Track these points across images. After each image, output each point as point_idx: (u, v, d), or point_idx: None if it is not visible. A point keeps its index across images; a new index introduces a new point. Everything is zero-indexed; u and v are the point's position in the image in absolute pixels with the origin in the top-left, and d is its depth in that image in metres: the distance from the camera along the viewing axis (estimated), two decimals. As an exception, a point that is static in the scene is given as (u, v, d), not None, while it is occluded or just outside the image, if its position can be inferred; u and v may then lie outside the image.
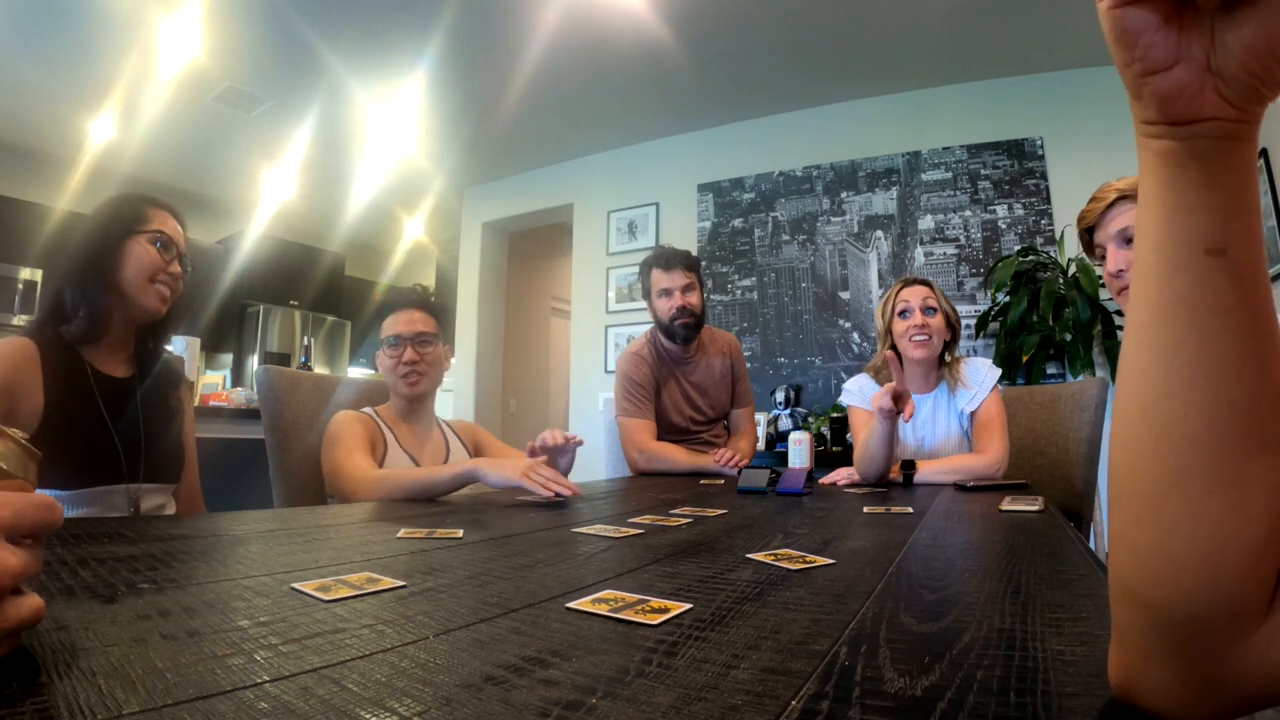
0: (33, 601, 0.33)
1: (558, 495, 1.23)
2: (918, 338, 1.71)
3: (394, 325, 1.58)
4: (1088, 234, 1.28)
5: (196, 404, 2.11)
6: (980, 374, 1.76)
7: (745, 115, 4.37)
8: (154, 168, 4.91)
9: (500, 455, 1.65)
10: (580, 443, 1.51)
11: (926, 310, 1.72)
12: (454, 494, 1.42)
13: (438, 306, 1.67)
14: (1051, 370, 3.30)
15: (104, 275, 1.22)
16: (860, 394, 1.81)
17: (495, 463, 1.33)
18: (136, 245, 1.24)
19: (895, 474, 1.64)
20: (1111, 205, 1.21)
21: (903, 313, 1.74)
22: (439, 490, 1.32)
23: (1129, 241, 1.19)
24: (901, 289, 1.78)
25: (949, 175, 3.86)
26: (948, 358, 1.82)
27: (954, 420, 1.79)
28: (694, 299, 2.17)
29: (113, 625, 0.41)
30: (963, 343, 3.58)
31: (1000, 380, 1.79)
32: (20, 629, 0.33)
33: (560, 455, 1.52)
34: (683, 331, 2.16)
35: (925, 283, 1.78)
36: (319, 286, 6.04)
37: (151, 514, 1.28)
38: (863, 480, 1.63)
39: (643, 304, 2.33)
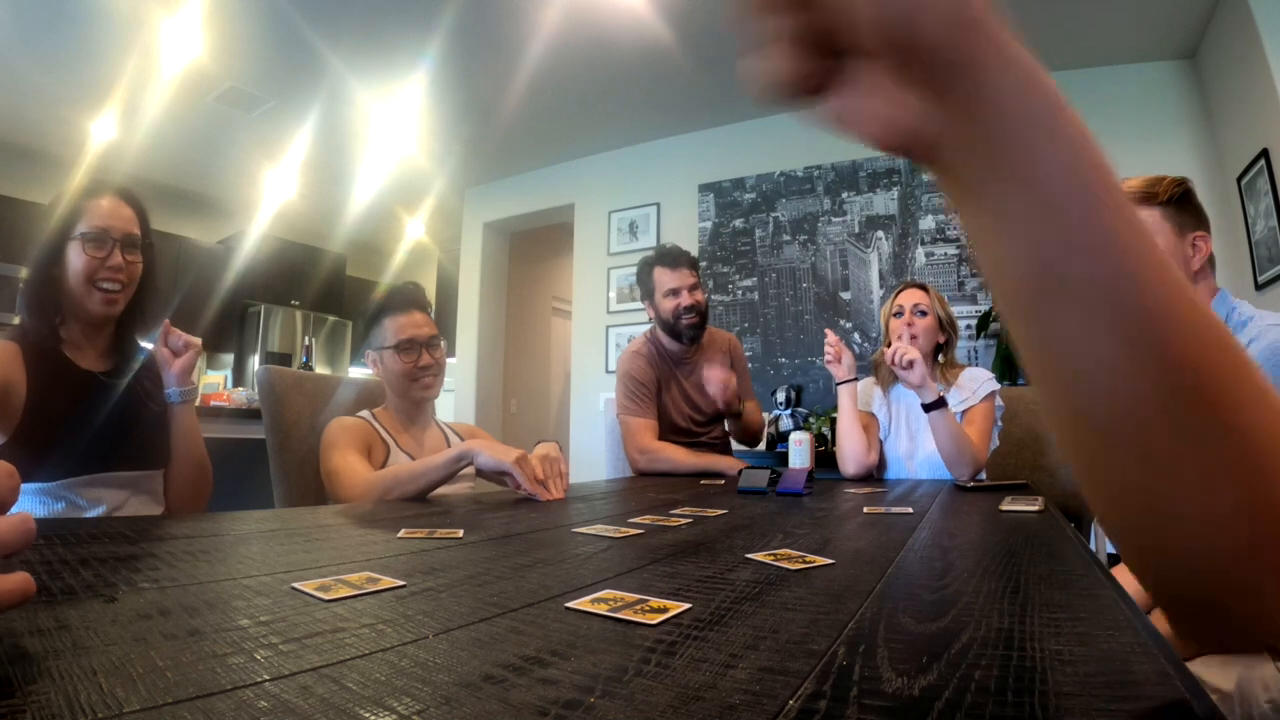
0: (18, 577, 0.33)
1: (536, 495, 1.23)
2: (905, 338, 1.84)
3: (404, 328, 1.55)
4: None
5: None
6: (977, 382, 1.84)
7: (746, 115, 4.37)
8: (155, 168, 4.91)
9: None
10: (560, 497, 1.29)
11: (916, 312, 1.85)
12: (453, 493, 1.42)
13: (429, 304, 1.67)
14: (1052, 370, 3.29)
15: (53, 282, 1.22)
16: (860, 398, 1.96)
17: (489, 445, 1.32)
18: (71, 250, 1.21)
19: (872, 462, 1.83)
20: None
21: (897, 313, 1.88)
22: (437, 477, 1.30)
23: None
24: (899, 293, 1.91)
25: (950, 175, 3.86)
26: (941, 358, 1.93)
27: None
28: (700, 297, 2.18)
29: (114, 624, 0.41)
30: (965, 342, 3.59)
31: (1000, 382, 1.87)
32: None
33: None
34: (690, 331, 2.16)
35: (922, 287, 1.90)
36: (320, 286, 6.04)
37: (140, 503, 1.28)
38: (843, 470, 1.83)
39: (643, 304, 2.33)
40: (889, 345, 1.90)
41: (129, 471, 1.28)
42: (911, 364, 1.66)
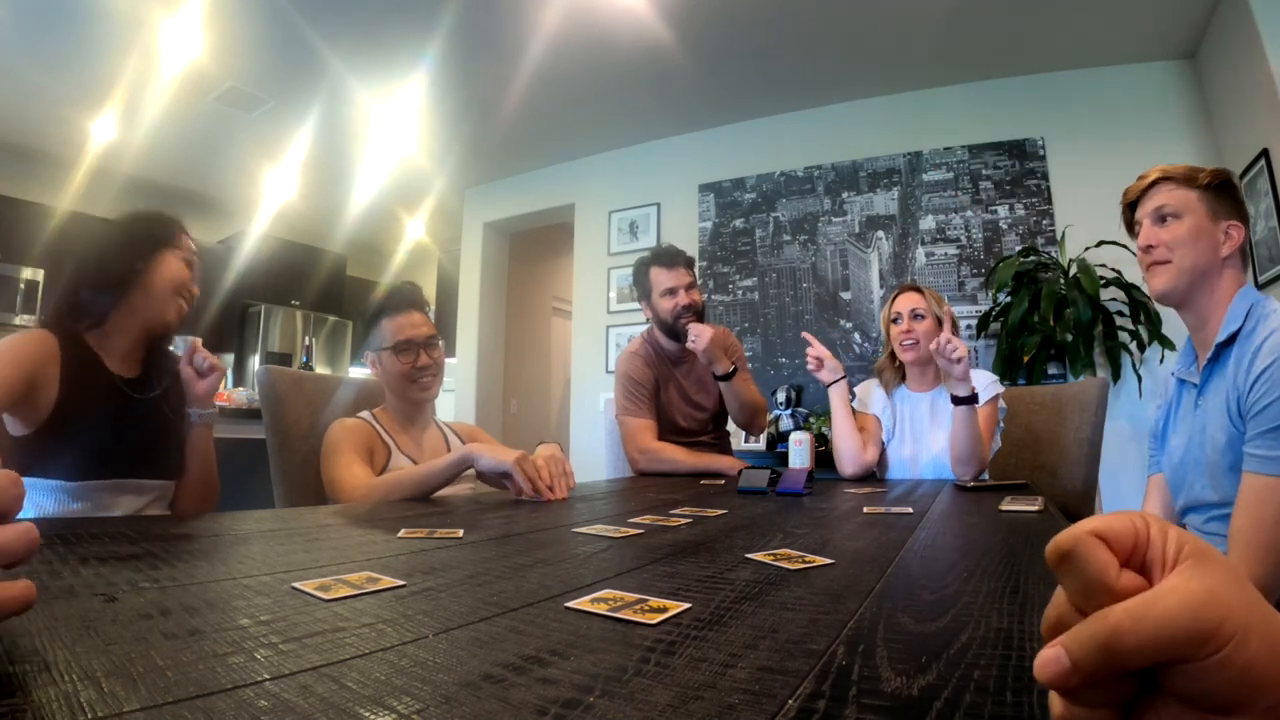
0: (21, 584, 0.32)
1: (537, 497, 1.23)
2: (906, 342, 1.86)
3: (401, 329, 1.55)
4: (1130, 210, 1.31)
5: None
6: (980, 384, 1.84)
7: (746, 115, 4.37)
8: (155, 168, 4.91)
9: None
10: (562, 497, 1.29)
11: (914, 316, 1.85)
12: (454, 494, 1.42)
13: (428, 303, 1.67)
14: (1053, 371, 3.29)
15: (131, 281, 1.26)
16: (861, 400, 1.98)
17: (490, 447, 1.32)
18: (172, 258, 1.31)
19: (870, 460, 1.84)
20: (1154, 184, 1.25)
21: (895, 319, 1.89)
22: (438, 481, 1.30)
23: (1163, 220, 1.23)
24: (895, 298, 1.91)
25: (950, 175, 3.86)
26: None
27: (949, 418, 1.83)
28: (697, 296, 2.17)
29: (114, 624, 0.41)
30: (965, 342, 3.58)
31: (1002, 383, 1.88)
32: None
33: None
34: (687, 330, 2.15)
35: (917, 289, 1.91)
36: (320, 286, 6.04)
37: (151, 511, 1.29)
38: (840, 471, 1.85)
39: (640, 304, 2.31)
40: (889, 351, 1.94)
41: (151, 480, 1.30)
42: (961, 359, 1.66)
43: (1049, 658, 0.24)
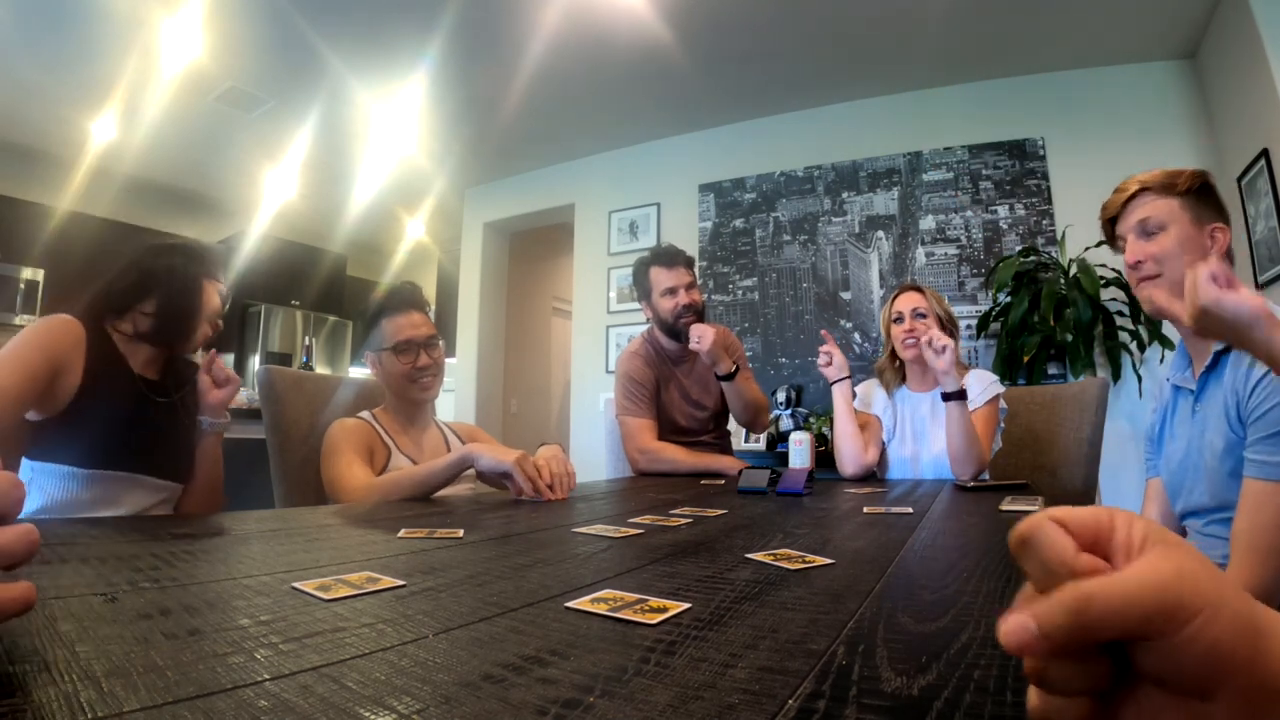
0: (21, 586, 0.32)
1: (538, 496, 1.23)
2: (908, 341, 1.85)
3: (401, 329, 1.55)
4: (1110, 224, 1.28)
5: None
6: (981, 384, 1.84)
7: (746, 115, 4.37)
8: (155, 168, 4.91)
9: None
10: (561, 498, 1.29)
11: (916, 315, 1.85)
12: (454, 494, 1.42)
13: (428, 303, 1.67)
14: (1053, 371, 3.29)
15: (186, 300, 1.34)
16: (863, 399, 1.98)
17: (490, 448, 1.32)
18: (213, 291, 1.42)
19: (871, 460, 1.84)
20: (1134, 196, 1.22)
21: (896, 319, 1.89)
22: (438, 481, 1.31)
23: (1149, 233, 1.20)
24: (896, 297, 1.92)
25: (950, 175, 3.86)
26: None
27: None
28: (697, 296, 2.17)
29: (114, 624, 0.41)
30: (965, 342, 3.59)
31: (1002, 383, 1.89)
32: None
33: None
34: (688, 330, 2.15)
35: (917, 289, 1.91)
36: (320, 286, 6.04)
37: (155, 512, 1.30)
38: (841, 471, 1.85)
39: (640, 304, 2.30)
40: (890, 351, 1.94)
41: (160, 480, 1.30)
42: (944, 349, 1.65)
43: (1015, 623, 0.23)
